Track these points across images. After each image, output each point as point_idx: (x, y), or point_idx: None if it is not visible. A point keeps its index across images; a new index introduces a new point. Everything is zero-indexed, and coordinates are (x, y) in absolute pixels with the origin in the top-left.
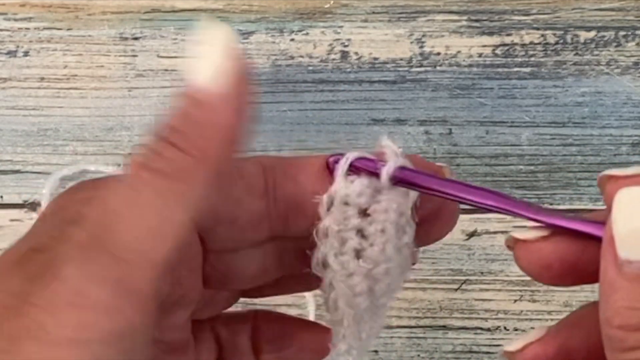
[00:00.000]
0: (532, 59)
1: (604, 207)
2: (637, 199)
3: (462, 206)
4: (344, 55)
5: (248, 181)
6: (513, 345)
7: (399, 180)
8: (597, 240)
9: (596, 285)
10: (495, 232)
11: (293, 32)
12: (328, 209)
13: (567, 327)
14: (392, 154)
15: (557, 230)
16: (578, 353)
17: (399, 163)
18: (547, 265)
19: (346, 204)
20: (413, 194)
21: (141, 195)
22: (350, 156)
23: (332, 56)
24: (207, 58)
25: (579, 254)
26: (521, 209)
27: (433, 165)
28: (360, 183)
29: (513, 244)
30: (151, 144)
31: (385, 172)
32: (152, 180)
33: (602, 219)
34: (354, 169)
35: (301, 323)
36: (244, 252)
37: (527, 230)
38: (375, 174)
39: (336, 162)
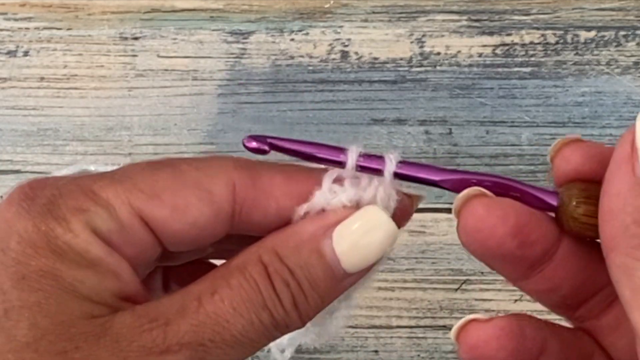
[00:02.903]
0: (532, 59)
1: None
2: None
3: None
4: (344, 55)
5: (217, 207)
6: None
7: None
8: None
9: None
10: None
11: (293, 32)
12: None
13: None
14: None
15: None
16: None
17: (398, 159)
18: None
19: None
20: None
21: None
22: (335, 172)
23: (332, 56)
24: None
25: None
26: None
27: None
28: (347, 194)
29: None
30: None
31: (387, 172)
32: None
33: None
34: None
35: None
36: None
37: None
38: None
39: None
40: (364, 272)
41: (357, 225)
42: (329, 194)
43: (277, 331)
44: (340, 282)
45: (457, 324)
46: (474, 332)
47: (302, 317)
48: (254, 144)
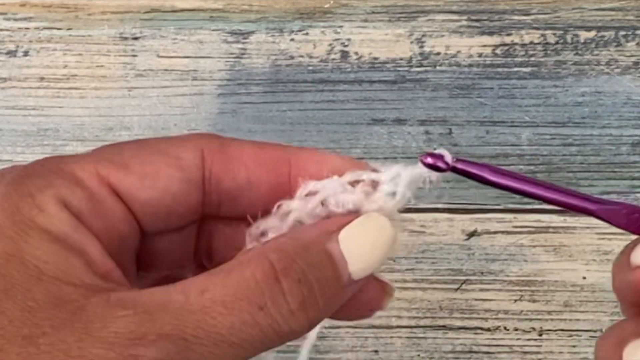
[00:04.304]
0: (532, 58)
1: None
2: None
3: (462, 206)
4: (344, 55)
5: (186, 173)
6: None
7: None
8: None
9: (596, 285)
10: (495, 232)
11: (293, 32)
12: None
13: None
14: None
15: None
16: None
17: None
18: None
19: (297, 222)
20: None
21: None
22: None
23: (332, 56)
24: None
25: None
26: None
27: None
28: (312, 206)
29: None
30: None
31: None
32: None
33: None
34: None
35: None
36: (173, 233)
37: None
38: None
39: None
40: (362, 282)
41: (364, 229)
42: (341, 188)
43: (276, 336)
44: (345, 289)
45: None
46: None
47: (310, 321)
48: (429, 160)
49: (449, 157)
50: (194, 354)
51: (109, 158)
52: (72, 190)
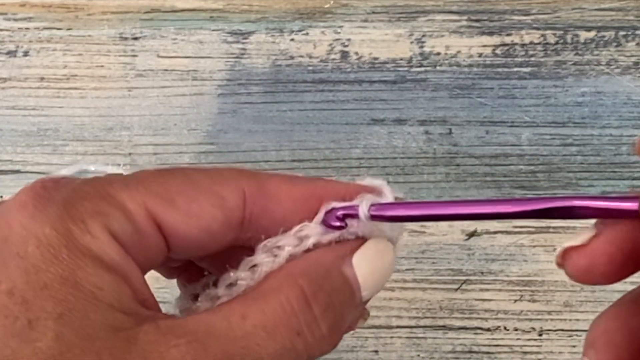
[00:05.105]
0: (532, 59)
1: None
2: None
3: None
4: (344, 55)
5: (229, 213)
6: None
7: (377, 217)
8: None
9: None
10: (495, 232)
11: (293, 32)
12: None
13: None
14: (367, 196)
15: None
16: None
17: (370, 202)
18: (608, 263)
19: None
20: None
21: None
22: (329, 207)
23: (332, 56)
24: None
25: (629, 240)
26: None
27: None
28: (332, 236)
29: (563, 257)
30: None
31: (362, 213)
32: None
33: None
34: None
35: None
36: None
37: (573, 237)
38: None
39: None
40: (367, 302)
41: (374, 252)
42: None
43: (309, 357)
44: (357, 310)
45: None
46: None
47: (335, 344)
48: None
49: (363, 211)
50: None
51: (157, 191)
52: (121, 222)
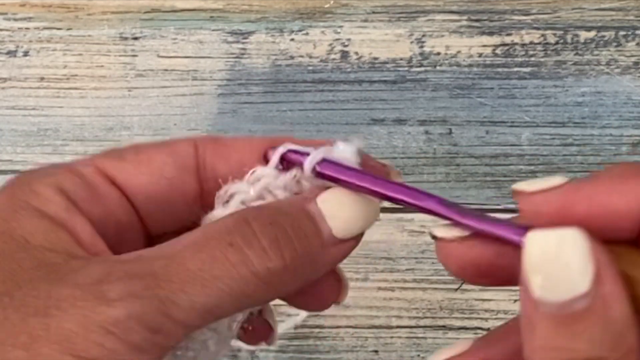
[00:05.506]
0: (532, 59)
1: None
2: (546, 244)
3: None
4: (344, 55)
5: (180, 160)
6: (436, 357)
7: (322, 174)
8: (516, 245)
9: None
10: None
11: (293, 32)
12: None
13: (493, 341)
14: (321, 148)
15: (476, 232)
16: None
17: (320, 155)
18: (463, 266)
19: (266, 190)
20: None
21: None
22: (281, 149)
23: (332, 56)
24: None
25: (495, 259)
26: (439, 208)
27: (378, 164)
28: (285, 178)
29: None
30: None
31: (308, 162)
32: None
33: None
34: (286, 160)
35: None
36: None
37: (446, 228)
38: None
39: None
40: (351, 243)
41: (342, 192)
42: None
43: (253, 276)
44: (328, 246)
45: None
46: None
47: (287, 264)
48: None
49: (309, 161)
50: (162, 291)
51: (106, 154)
52: (68, 178)
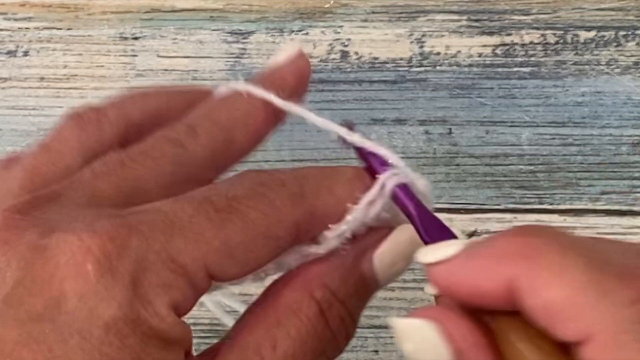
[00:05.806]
0: (532, 58)
1: (605, 207)
2: (411, 326)
3: (461, 206)
4: (344, 55)
5: (278, 252)
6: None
7: (397, 198)
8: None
9: None
10: (495, 232)
11: (293, 32)
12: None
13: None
14: (403, 168)
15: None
16: None
17: (405, 179)
18: (458, 287)
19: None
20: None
21: None
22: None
23: (332, 56)
24: None
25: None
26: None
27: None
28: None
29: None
30: None
31: (391, 182)
32: None
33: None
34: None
35: None
36: None
37: (430, 251)
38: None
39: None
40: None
41: (397, 246)
42: (365, 211)
43: None
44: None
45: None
46: None
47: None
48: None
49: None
50: None
51: (217, 247)
52: (183, 291)
